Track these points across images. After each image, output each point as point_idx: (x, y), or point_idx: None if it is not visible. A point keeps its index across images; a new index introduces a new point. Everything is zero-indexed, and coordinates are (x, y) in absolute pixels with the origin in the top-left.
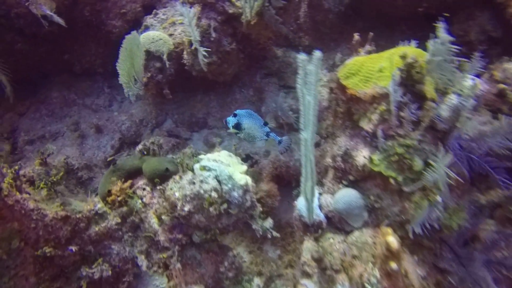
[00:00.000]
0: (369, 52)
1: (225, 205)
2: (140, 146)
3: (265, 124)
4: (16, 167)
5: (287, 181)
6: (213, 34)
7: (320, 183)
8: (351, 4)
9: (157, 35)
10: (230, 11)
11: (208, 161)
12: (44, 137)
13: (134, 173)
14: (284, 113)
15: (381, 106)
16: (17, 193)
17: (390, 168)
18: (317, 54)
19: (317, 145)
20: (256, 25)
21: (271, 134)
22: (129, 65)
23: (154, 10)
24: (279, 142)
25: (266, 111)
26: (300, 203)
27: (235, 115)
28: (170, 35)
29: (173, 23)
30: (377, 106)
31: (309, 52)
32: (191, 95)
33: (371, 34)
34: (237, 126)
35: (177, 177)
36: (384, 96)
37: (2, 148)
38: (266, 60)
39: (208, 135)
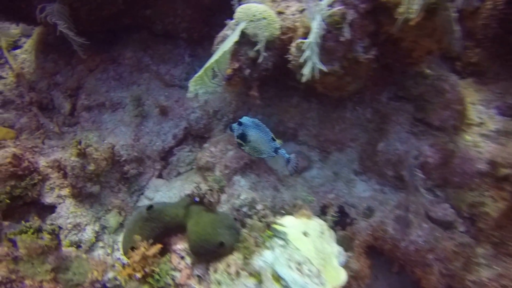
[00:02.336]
0: None
1: None
2: (192, 189)
3: (273, 139)
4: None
5: (385, 258)
6: (346, 33)
7: None
8: None
9: (260, 11)
10: None
11: (288, 268)
12: (104, 106)
13: (174, 228)
14: (410, 167)
15: None
16: None
17: None
18: None
19: (447, 224)
20: (418, 28)
21: (280, 151)
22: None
23: None
24: (288, 160)
25: (384, 150)
26: None
27: (240, 124)
28: (279, 13)
29: None
30: None
31: (472, 74)
32: (286, 94)
33: None
34: (242, 138)
35: (232, 268)
36: None
37: (64, 106)
38: (406, 76)
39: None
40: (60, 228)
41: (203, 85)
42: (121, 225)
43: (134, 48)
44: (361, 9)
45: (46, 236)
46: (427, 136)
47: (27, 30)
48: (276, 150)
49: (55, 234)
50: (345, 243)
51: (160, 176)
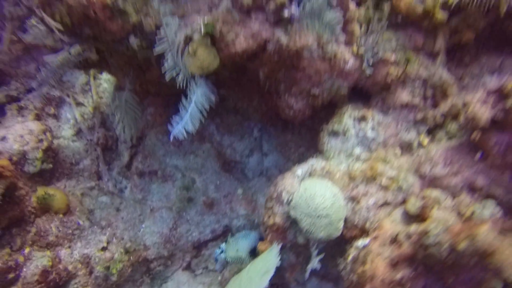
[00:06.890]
0: None
1: None
2: None
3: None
4: None
5: None
6: None
7: None
8: None
9: (326, 206)
10: None
11: None
12: (156, 175)
13: None
14: None
15: None
16: None
17: None
18: None
19: None
20: None
21: None
22: None
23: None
24: None
25: None
26: None
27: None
28: (352, 199)
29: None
30: None
31: None
32: None
33: None
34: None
35: None
36: None
37: (124, 155)
38: None
39: None
40: None
41: None
42: None
43: None
44: None
45: None
46: None
47: None
48: None
49: None
50: None
51: (188, 265)
